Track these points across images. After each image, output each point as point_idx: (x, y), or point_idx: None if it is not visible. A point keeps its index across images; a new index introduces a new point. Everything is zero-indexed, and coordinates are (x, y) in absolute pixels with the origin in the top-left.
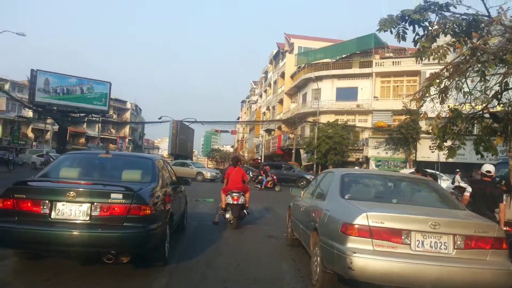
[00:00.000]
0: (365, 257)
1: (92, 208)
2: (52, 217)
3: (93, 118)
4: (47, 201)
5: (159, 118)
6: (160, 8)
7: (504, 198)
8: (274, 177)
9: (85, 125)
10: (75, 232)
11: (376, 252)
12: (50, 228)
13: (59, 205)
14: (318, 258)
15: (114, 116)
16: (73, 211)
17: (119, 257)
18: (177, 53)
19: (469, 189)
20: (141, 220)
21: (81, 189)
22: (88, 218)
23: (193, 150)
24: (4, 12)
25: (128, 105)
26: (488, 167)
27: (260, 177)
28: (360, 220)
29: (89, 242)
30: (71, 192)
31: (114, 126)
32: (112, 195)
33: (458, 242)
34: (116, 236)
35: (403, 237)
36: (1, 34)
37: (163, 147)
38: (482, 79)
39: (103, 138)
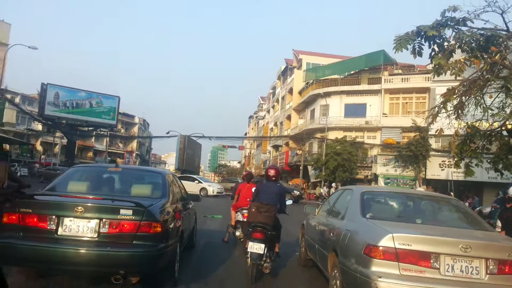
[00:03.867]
0: (391, 282)
1: (101, 224)
2: (59, 233)
3: (101, 132)
4: (54, 217)
5: (167, 133)
6: (171, 25)
7: None
8: None
9: (93, 139)
10: (82, 250)
11: (403, 276)
12: (57, 245)
13: (67, 220)
14: (338, 282)
15: (122, 131)
16: (81, 227)
17: (127, 278)
18: (185, 69)
19: (499, 223)
20: (152, 238)
21: (89, 204)
22: (96, 235)
23: (200, 165)
24: (17, 25)
25: (136, 120)
26: None
27: None
28: (386, 242)
29: (97, 261)
30: (79, 207)
31: (121, 141)
32: (122, 211)
33: (491, 267)
34: (125, 255)
35: (431, 261)
36: (13, 48)
37: (170, 162)
38: (507, 95)
39: (110, 152)
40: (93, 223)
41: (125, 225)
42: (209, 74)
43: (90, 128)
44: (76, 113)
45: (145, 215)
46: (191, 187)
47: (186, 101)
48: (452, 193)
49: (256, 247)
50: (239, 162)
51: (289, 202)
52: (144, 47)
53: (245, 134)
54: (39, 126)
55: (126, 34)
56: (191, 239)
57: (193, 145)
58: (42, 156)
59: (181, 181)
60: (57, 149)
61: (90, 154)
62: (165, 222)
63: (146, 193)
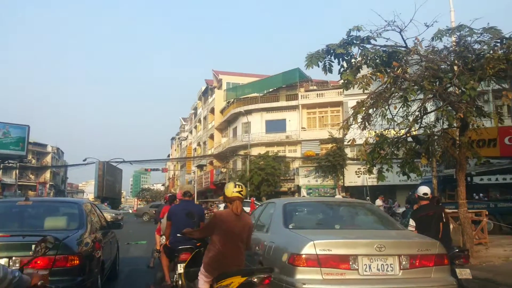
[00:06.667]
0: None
1: (11, 263)
2: None
3: (10, 164)
4: None
5: (84, 160)
6: (83, 43)
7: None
8: None
9: (0, 172)
10: None
11: (326, 281)
12: None
13: None
14: None
15: (33, 161)
16: None
17: None
18: (101, 92)
19: (412, 223)
20: (69, 272)
21: None
22: None
23: (122, 191)
24: None
25: (49, 149)
26: (424, 189)
27: None
28: (308, 250)
29: None
30: None
31: (33, 172)
32: (34, 247)
33: (404, 262)
34: None
35: (350, 263)
36: None
37: (89, 190)
38: (405, 104)
39: (21, 185)
40: (2, 262)
41: (38, 261)
42: (129, 97)
43: None
44: None
45: (61, 249)
46: None
47: (104, 126)
48: (368, 198)
49: None
50: (163, 185)
51: None
52: (53, 69)
53: (168, 155)
54: None
55: (32, 56)
56: (114, 269)
57: (113, 171)
58: None
59: None
60: None
61: None
62: (83, 254)
63: (61, 225)
